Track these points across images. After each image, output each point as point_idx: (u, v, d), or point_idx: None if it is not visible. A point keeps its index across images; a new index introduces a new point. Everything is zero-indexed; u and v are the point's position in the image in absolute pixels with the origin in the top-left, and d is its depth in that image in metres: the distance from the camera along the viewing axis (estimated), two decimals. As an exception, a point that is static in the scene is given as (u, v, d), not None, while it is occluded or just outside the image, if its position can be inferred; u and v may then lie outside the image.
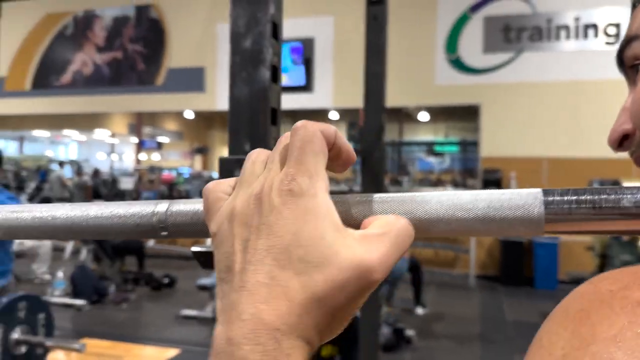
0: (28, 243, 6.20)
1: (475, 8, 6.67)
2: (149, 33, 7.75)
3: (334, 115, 12.59)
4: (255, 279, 0.31)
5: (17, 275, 6.02)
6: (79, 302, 5.17)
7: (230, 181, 0.39)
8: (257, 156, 0.40)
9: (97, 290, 5.53)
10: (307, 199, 0.33)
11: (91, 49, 7.99)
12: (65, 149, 21.02)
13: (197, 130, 18.09)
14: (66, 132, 17.77)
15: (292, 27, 7.07)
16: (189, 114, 15.06)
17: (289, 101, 7.31)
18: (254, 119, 0.98)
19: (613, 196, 0.34)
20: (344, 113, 11.43)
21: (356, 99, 6.05)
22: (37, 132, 17.51)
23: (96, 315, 5.13)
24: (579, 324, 0.27)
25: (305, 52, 6.95)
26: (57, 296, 5.40)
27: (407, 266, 5.14)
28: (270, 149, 0.41)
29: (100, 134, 17.40)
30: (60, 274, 5.69)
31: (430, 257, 7.48)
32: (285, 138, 0.38)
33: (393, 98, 7.13)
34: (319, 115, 12.51)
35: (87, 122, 14.52)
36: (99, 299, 5.46)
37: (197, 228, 0.41)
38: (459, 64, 6.81)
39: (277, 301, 0.31)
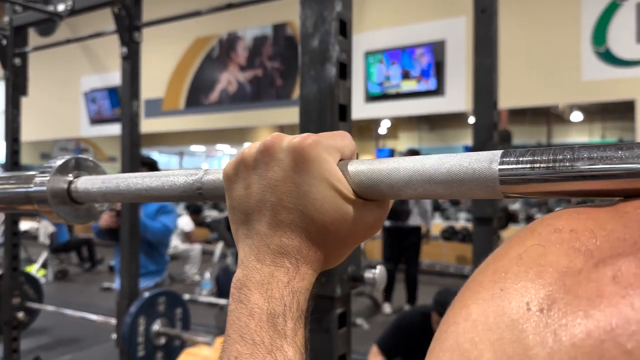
0: (181, 247, 6.84)
1: (626, -6, 6.03)
2: (285, 50, 8.17)
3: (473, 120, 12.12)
4: (278, 218, 0.40)
5: (171, 276, 6.66)
6: (222, 301, 5.57)
7: None
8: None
9: (239, 291, 5.91)
10: (320, 162, 0.39)
11: (235, 68, 8.63)
12: (218, 162, 22.87)
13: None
14: (219, 146, 19.32)
15: (421, 31, 6.96)
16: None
17: (419, 106, 7.20)
18: (322, 115, 1.00)
19: (569, 156, 0.32)
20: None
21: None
22: (194, 147, 19.23)
23: (237, 315, 5.49)
24: (501, 247, 0.30)
25: (436, 56, 6.81)
26: (204, 295, 5.87)
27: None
28: None
29: (248, 147, 18.62)
30: (207, 275, 6.18)
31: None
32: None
33: (534, 97, 6.67)
34: (454, 119, 12.14)
35: (237, 136, 15.67)
36: (240, 300, 5.84)
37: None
38: (608, 57, 6.20)
39: (298, 239, 0.40)
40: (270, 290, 0.38)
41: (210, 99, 8.84)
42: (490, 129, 1.92)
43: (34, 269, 6.85)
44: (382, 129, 13.97)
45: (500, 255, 0.29)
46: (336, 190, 0.39)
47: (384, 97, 7.39)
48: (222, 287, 5.89)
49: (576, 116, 12.98)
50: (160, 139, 14.03)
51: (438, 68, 6.79)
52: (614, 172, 0.30)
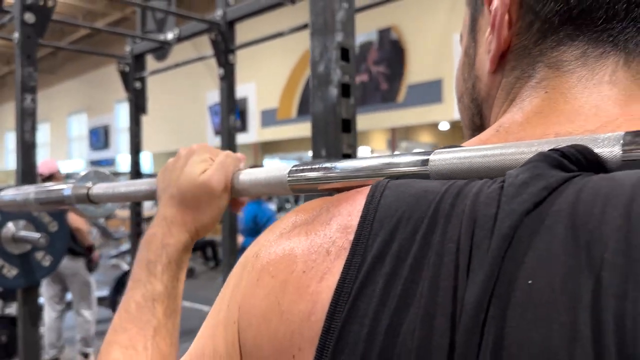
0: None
1: None
2: (390, 54, 8.31)
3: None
4: (166, 197, 0.62)
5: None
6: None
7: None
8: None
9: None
10: (190, 166, 0.62)
11: (342, 75, 8.93)
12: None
13: (452, 141, 18.18)
14: (335, 151, 19.86)
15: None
16: (444, 125, 15.24)
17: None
18: (327, 129, 1.19)
19: (318, 166, 0.49)
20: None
21: None
22: (311, 153, 19.92)
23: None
24: None
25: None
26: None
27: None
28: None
29: (363, 150, 18.94)
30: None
31: None
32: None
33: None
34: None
35: (350, 140, 15.98)
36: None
37: None
38: None
39: (172, 208, 0.61)
40: (150, 245, 0.59)
41: (320, 106, 9.25)
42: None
43: (165, 266, 7.67)
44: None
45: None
46: (201, 182, 0.60)
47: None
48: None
49: None
50: (279, 147, 14.75)
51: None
52: (336, 177, 0.46)
